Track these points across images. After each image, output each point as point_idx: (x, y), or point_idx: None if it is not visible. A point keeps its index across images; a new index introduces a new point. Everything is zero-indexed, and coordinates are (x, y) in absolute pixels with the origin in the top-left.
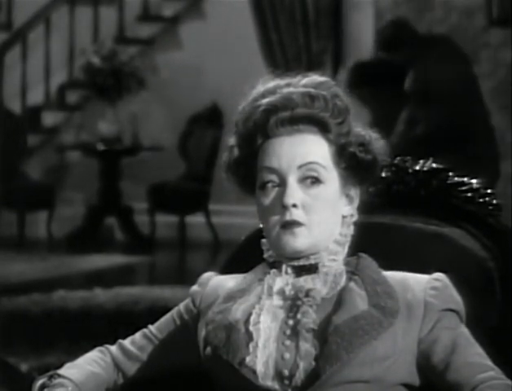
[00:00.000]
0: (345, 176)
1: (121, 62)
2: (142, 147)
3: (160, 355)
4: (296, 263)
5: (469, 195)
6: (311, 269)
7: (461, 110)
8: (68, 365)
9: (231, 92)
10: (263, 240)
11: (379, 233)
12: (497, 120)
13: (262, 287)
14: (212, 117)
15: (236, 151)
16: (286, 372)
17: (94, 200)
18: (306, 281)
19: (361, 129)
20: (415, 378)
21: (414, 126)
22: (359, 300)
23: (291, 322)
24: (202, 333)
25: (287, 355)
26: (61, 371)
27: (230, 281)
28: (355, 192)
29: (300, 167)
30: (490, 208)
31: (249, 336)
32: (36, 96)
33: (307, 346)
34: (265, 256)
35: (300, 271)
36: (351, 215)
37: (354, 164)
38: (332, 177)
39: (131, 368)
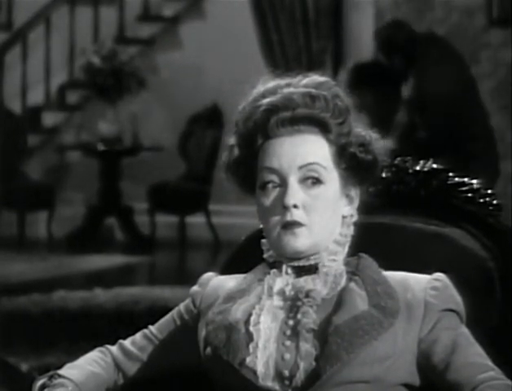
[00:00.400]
0: (345, 176)
1: (122, 62)
2: (142, 147)
3: (160, 355)
4: (296, 263)
5: (469, 195)
6: (311, 269)
7: (460, 112)
8: (68, 365)
9: (231, 92)
10: (263, 240)
11: (379, 233)
12: (497, 120)
13: (262, 287)
14: (212, 117)
15: (236, 151)
16: (286, 373)
17: (94, 200)
18: (306, 281)
19: (361, 129)
20: (415, 378)
21: (414, 130)
22: (360, 301)
23: (291, 322)
24: (202, 333)
25: (287, 356)
26: (61, 371)
27: (230, 281)
28: (355, 192)
29: (301, 167)
30: (490, 208)
31: (250, 337)
32: (36, 96)
33: (308, 346)
34: (265, 256)
35: (300, 271)
36: (351, 215)
37: (354, 165)
38: (332, 177)
39: (131, 368)
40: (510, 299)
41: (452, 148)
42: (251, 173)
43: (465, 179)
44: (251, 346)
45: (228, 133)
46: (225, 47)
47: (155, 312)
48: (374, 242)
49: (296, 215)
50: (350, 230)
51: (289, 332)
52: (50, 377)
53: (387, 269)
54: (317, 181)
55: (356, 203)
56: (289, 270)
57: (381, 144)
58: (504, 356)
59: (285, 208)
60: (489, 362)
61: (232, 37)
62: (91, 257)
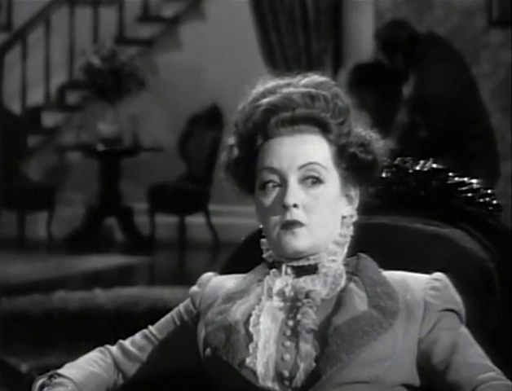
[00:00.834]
0: (345, 176)
1: (121, 62)
2: (142, 148)
3: (160, 356)
4: (295, 263)
5: (469, 195)
6: (311, 269)
7: (461, 112)
8: (68, 365)
9: (231, 92)
10: (263, 240)
11: (379, 233)
12: (497, 120)
13: (262, 288)
14: (212, 118)
15: (235, 151)
16: (286, 373)
17: (94, 201)
18: (305, 282)
19: (361, 129)
20: (415, 378)
21: (415, 129)
22: (359, 301)
23: (291, 323)
24: (202, 334)
25: (287, 356)
26: (61, 371)
27: (229, 281)
28: (354, 192)
29: (301, 167)
30: (490, 208)
31: (249, 337)
32: (36, 97)
33: (307, 347)
34: (264, 256)
35: (300, 272)
36: (351, 215)
37: (354, 165)
38: (332, 177)
39: (131, 368)
40: (510, 299)
41: (452, 148)
42: (250, 173)
43: (465, 179)
44: (251, 347)
45: (228, 133)
46: (225, 48)
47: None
48: (374, 242)
49: (296, 215)
50: (350, 231)
51: (288, 333)
52: (50, 377)
53: (387, 269)
54: (317, 181)
55: (356, 203)
56: (289, 270)
57: (381, 144)
58: (504, 356)
59: (285, 208)
60: (489, 363)
61: (232, 38)
62: (91, 258)
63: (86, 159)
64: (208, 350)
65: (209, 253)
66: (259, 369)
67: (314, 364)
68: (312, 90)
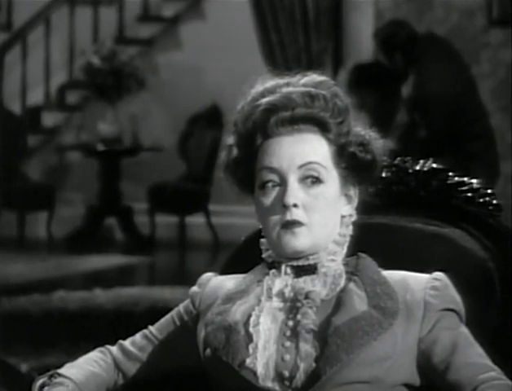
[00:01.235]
0: (344, 176)
1: (121, 62)
2: (142, 148)
3: (160, 356)
4: (295, 263)
5: (469, 195)
6: (310, 269)
7: (461, 111)
8: (68, 365)
9: (231, 92)
10: (262, 240)
11: (379, 233)
12: (497, 120)
13: (262, 288)
14: (212, 118)
15: (234, 151)
16: (286, 373)
17: (94, 201)
18: (305, 282)
19: (361, 128)
20: (415, 378)
21: (415, 129)
22: (359, 302)
23: (291, 323)
24: (201, 334)
25: (287, 356)
26: (61, 371)
27: (229, 282)
28: (354, 192)
29: (300, 167)
30: (490, 208)
31: (249, 338)
32: (36, 96)
33: (307, 347)
34: (263, 255)
35: (299, 271)
36: (350, 215)
37: (354, 164)
38: (332, 176)
39: (131, 368)
40: (510, 299)
41: (452, 148)
42: (250, 173)
43: (465, 179)
44: (251, 347)
45: (228, 133)
46: (225, 47)
47: (155, 312)
48: (374, 242)
49: (296, 214)
50: (349, 230)
51: (288, 333)
52: (50, 377)
53: (387, 269)
54: (317, 180)
55: (355, 202)
56: (288, 270)
57: (380, 143)
58: (504, 356)
59: (285, 208)
60: (490, 363)
61: (232, 38)
62: (91, 258)
63: (86, 159)
64: (208, 351)
65: (209, 253)
66: (259, 369)
67: (314, 364)
68: (312, 90)
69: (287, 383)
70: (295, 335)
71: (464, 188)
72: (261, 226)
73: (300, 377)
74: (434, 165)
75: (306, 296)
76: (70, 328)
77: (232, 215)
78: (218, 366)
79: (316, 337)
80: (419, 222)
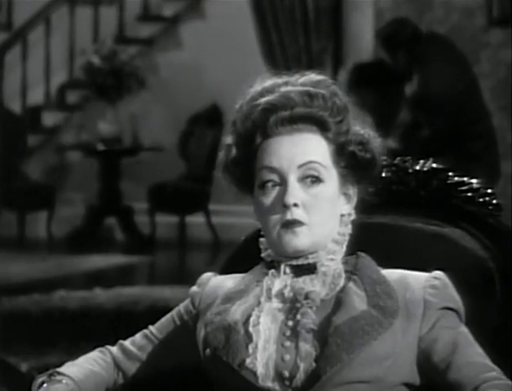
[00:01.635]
0: (344, 174)
1: (122, 62)
2: (142, 148)
3: (160, 355)
4: (294, 262)
5: (469, 195)
6: (310, 268)
7: (463, 110)
8: (68, 364)
9: (231, 92)
10: (261, 239)
11: (379, 233)
12: (497, 121)
13: (261, 288)
14: (212, 117)
15: (233, 151)
16: (286, 373)
17: (94, 200)
18: (304, 282)
19: (360, 127)
20: (415, 377)
21: (418, 128)
22: (359, 301)
23: (291, 323)
24: (201, 334)
25: (287, 356)
26: (61, 370)
27: (229, 281)
28: (353, 191)
29: (300, 166)
30: (490, 208)
31: (249, 338)
32: (36, 96)
33: (307, 347)
34: (263, 255)
35: (298, 271)
36: (349, 214)
37: (353, 163)
38: (331, 175)
39: (131, 368)
40: (510, 299)
41: (454, 147)
42: (249, 173)
43: (465, 179)
44: (250, 347)
45: (227, 133)
46: (225, 47)
47: (155, 312)
48: (374, 242)
49: (296, 214)
50: (348, 229)
51: (288, 333)
52: (50, 375)
53: (387, 269)
54: (317, 179)
55: (354, 201)
56: (288, 270)
57: (378, 142)
58: (504, 356)
59: (286, 207)
60: (490, 362)
61: (232, 37)
62: (91, 257)
63: (86, 159)
64: (208, 350)
65: (209, 253)
66: (259, 369)
67: (314, 364)
68: (311, 89)
69: (287, 383)
70: (295, 334)
71: (464, 188)
72: (260, 226)
73: (300, 377)
74: (434, 165)
75: (306, 297)
76: (70, 328)
77: (232, 215)
78: (218, 366)
79: (316, 337)
80: (419, 222)
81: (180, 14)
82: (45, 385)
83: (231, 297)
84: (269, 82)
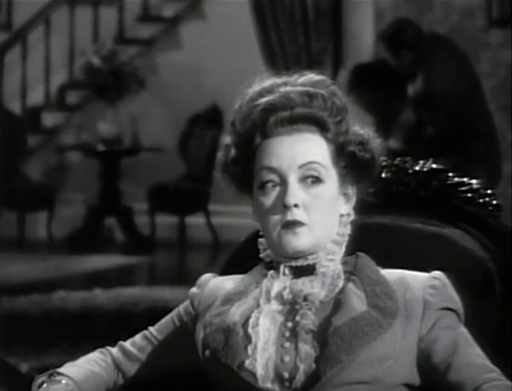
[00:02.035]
0: (343, 175)
1: (121, 62)
2: (142, 148)
3: (159, 356)
4: (294, 263)
5: (469, 195)
6: (309, 269)
7: (467, 110)
8: (68, 364)
9: (231, 92)
10: (260, 240)
11: (379, 233)
12: (497, 121)
13: (260, 290)
14: (212, 118)
15: (232, 151)
16: (286, 375)
17: (94, 201)
18: (303, 284)
19: (359, 127)
20: (415, 378)
21: (422, 127)
22: (358, 302)
23: (290, 324)
24: (200, 336)
25: (287, 358)
26: (61, 370)
27: (228, 282)
28: (352, 191)
29: (301, 167)
30: (490, 208)
31: (248, 339)
32: (36, 96)
33: (307, 348)
34: (261, 255)
35: (298, 272)
36: (348, 214)
37: (353, 163)
38: (331, 176)
39: (131, 368)
40: (510, 299)
41: (457, 147)
42: (248, 173)
43: (465, 179)
44: (250, 349)
45: (226, 133)
46: (225, 47)
47: (155, 312)
48: (373, 242)
49: (297, 214)
50: (348, 229)
51: (287, 334)
52: (50, 375)
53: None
54: (317, 180)
55: (353, 201)
56: (287, 271)
57: (378, 142)
58: (504, 356)
59: (286, 208)
60: (489, 363)
61: (232, 37)
62: (91, 258)
63: (86, 159)
64: (207, 352)
65: (209, 253)
66: (259, 371)
67: (314, 365)
68: (310, 89)
69: (287, 384)
70: (294, 335)
71: (464, 189)
72: (259, 226)
73: (300, 378)
74: (434, 166)
75: (305, 299)
76: (70, 328)
77: (232, 215)
78: (217, 368)
79: (316, 338)
80: (419, 222)
81: (180, 14)
82: (44, 385)
83: (230, 299)
84: (268, 82)
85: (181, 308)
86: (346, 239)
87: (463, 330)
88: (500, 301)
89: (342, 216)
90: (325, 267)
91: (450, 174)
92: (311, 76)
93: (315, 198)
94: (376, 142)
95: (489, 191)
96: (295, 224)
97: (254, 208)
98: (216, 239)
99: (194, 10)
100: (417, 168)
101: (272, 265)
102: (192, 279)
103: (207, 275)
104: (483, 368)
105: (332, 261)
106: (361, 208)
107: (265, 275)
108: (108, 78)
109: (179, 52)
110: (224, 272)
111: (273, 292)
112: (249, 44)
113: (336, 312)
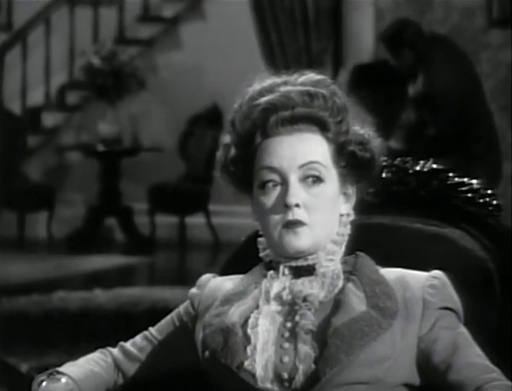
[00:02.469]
0: (343, 174)
1: (121, 62)
2: (142, 148)
3: (159, 356)
4: (294, 263)
5: (469, 195)
6: (309, 269)
7: (468, 110)
8: (68, 364)
9: (231, 92)
10: (260, 239)
11: (379, 233)
12: (497, 121)
13: (260, 290)
14: (212, 118)
15: (232, 150)
16: (285, 375)
17: (94, 201)
18: (303, 285)
19: (359, 127)
20: (415, 378)
21: (423, 127)
22: (358, 302)
23: (289, 324)
24: (200, 336)
25: (286, 358)
26: (61, 369)
27: (228, 283)
28: (352, 191)
29: (301, 166)
30: (490, 208)
31: (247, 340)
32: (36, 97)
33: (306, 348)
34: (261, 255)
35: (297, 272)
36: (348, 214)
37: (353, 163)
38: (331, 175)
39: (131, 369)
40: (510, 299)
41: (458, 147)
42: (248, 172)
43: (465, 179)
44: (249, 349)
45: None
46: (225, 47)
47: (155, 313)
48: (374, 242)
49: (298, 214)
50: (347, 229)
51: (287, 335)
52: (50, 375)
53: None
54: (318, 179)
55: (353, 201)
56: (286, 271)
57: (378, 142)
58: (504, 356)
59: (287, 208)
60: (489, 363)
61: (232, 38)
62: (91, 258)
63: (86, 159)
64: (207, 352)
65: (209, 253)
66: (258, 371)
67: (313, 366)
68: (311, 89)
69: (286, 384)
70: (294, 336)
71: (464, 189)
72: (259, 226)
73: (299, 379)
74: (435, 166)
75: (304, 299)
76: (70, 328)
77: (232, 215)
78: (217, 368)
79: (315, 338)
80: (419, 222)
81: (180, 14)
82: (44, 383)
83: (229, 299)
84: (268, 82)
85: (181, 308)
86: (346, 239)
87: (463, 330)
88: (500, 301)
89: (341, 216)
90: (325, 267)
91: (450, 174)
92: (312, 76)
93: (315, 198)
94: (376, 142)
95: (489, 191)
96: (296, 224)
97: (254, 208)
98: (216, 239)
99: (194, 10)
100: (418, 168)
101: (272, 266)
102: (192, 279)
103: (207, 276)
104: (483, 368)
105: (331, 262)
106: (361, 208)
107: (264, 276)
108: (108, 78)
109: (179, 52)
110: (224, 272)
111: (272, 293)
112: (249, 44)
113: (335, 312)
